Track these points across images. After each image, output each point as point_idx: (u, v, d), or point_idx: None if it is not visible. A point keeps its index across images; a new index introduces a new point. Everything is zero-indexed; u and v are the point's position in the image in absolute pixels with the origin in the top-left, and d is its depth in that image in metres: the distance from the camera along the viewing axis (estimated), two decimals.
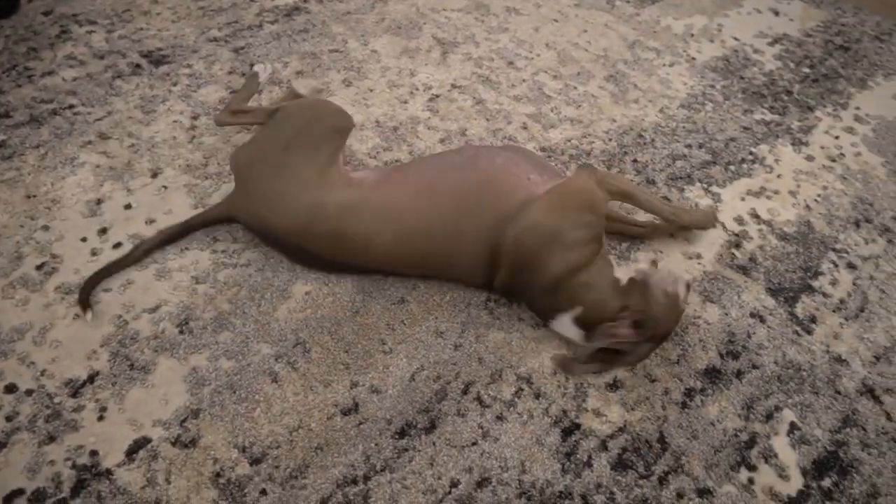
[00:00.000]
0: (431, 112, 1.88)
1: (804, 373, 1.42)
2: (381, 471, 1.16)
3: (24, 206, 1.49)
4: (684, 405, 1.33)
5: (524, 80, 2.05)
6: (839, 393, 1.40)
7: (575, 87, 2.06)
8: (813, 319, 1.53)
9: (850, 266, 1.66)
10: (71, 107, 1.74)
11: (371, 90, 1.93)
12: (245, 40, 2.04)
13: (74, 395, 1.21)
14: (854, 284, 1.62)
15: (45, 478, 1.10)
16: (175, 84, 1.86)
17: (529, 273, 1.33)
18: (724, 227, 1.69)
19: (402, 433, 1.22)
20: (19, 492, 1.08)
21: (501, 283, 1.38)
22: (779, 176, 1.88)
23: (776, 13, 2.61)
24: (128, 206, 1.53)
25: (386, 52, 2.07)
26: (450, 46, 2.14)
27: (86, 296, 1.33)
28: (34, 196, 1.51)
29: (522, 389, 1.30)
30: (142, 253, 1.42)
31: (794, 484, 1.25)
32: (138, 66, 1.90)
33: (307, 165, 1.40)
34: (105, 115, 1.73)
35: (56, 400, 1.19)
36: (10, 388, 1.20)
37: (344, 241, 1.36)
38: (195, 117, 1.76)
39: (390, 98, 1.91)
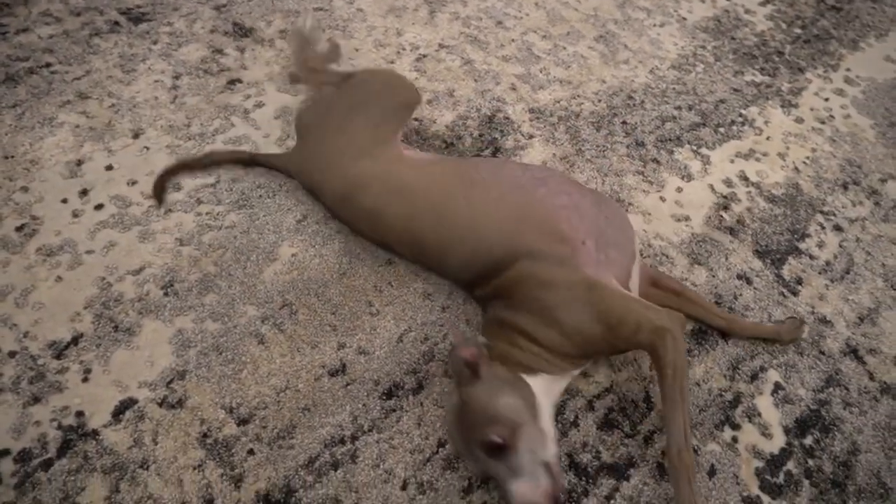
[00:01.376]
0: (419, 72, 1.85)
1: None
2: (369, 431, 1.16)
3: (2, 167, 1.45)
4: None
5: (513, 41, 2.01)
6: (823, 353, 1.41)
7: (564, 48, 2.02)
8: (799, 281, 1.53)
9: (837, 228, 1.67)
10: (48, 65, 1.69)
11: (357, 50, 1.89)
12: None
13: (58, 356, 1.19)
14: (840, 246, 1.63)
15: (30, 438, 1.09)
16: (155, 42, 1.81)
17: (507, 305, 1.20)
18: (712, 189, 1.69)
19: (389, 394, 1.22)
20: (5, 452, 1.07)
21: (481, 293, 1.27)
22: (768, 138, 1.87)
23: None
24: (109, 168, 1.50)
25: (372, 11, 2.03)
26: (437, 5, 2.09)
27: (160, 192, 1.44)
28: (12, 157, 1.48)
29: None
30: (210, 162, 1.51)
31: (777, 442, 1.27)
32: (117, 23, 1.85)
33: (366, 134, 1.38)
34: (83, 75, 1.69)
35: (40, 362, 1.18)
36: None
37: (379, 219, 1.30)
38: (177, 77, 1.72)
39: (376, 58, 1.87)
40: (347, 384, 1.22)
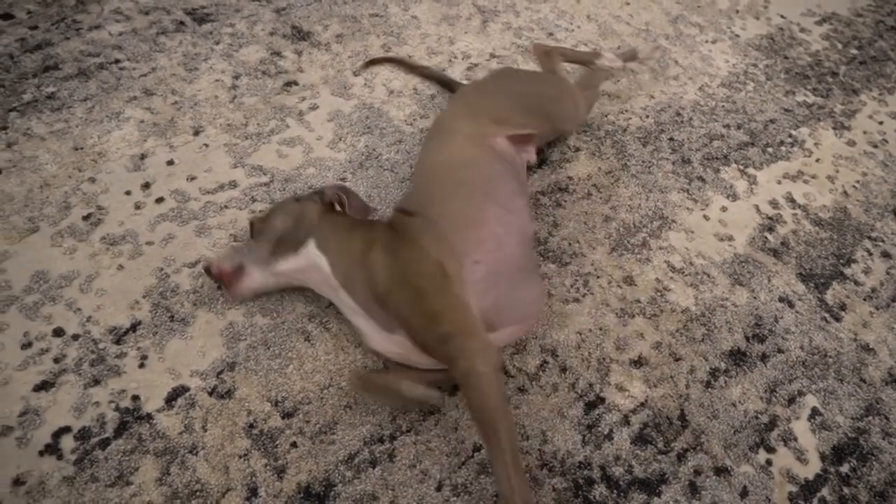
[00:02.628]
0: (469, 81, 1.88)
1: (830, 359, 1.42)
2: (407, 432, 1.20)
3: (72, 158, 1.53)
4: (707, 384, 1.34)
5: None
6: (864, 381, 1.40)
7: None
8: (843, 307, 1.52)
9: (885, 255, 1.65)
10: (117, 61, 1.78)
11: (410, 56, 1.93)
12: (287, 1, 2.05)
13: (118, 342, 1.26)
14: (888, 274, 1.61)
15: (90, 417, 1.16)
16: (217, 43, 1.88)
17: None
18: (758, 209, 1.68)
19: None
20: (66, 429, 1.14)
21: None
22: (818, 160, 1.85)
23: None
24: (170, 163, 1.57)
25: (426, 19, 2.07)
26: (490, 15, 2.13)
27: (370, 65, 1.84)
28: (81, 148, 1.56)
29: (547, 362, 1.32)
30: (428, 73, 1.85)
31: (812, 468, 1.26)
32: (182, 23, 1.93)
33: (492, 114, 1.45)
34: (149, 72, 1.76)
35: (101, 346, 1.25)
36: (58, 332, 1.26)
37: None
38: (237, 77, 1.79)
39: (429, 65, 1.91)
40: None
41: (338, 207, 1.35)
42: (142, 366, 1.23)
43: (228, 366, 1.25)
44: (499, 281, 1.18)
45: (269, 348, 1.28)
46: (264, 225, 1.30)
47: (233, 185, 1.54)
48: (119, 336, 1.27)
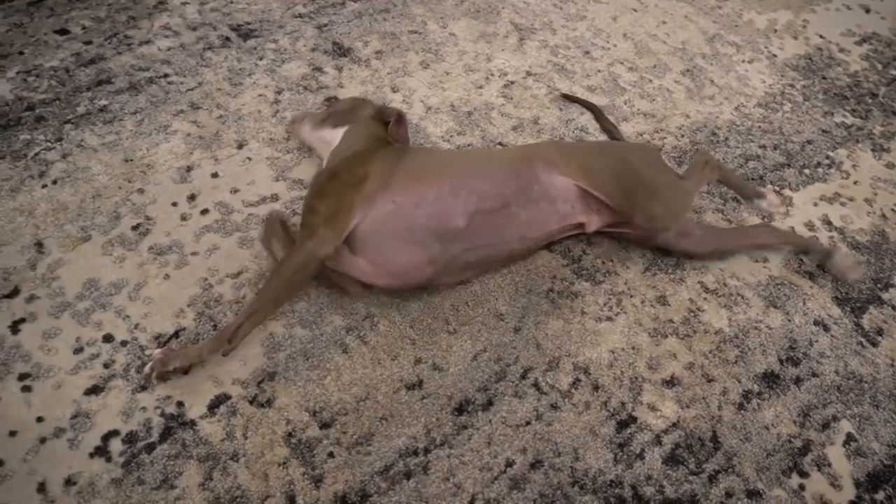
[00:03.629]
0: (506, 98, 1.91)
1: (866, 385, 1.42)
2: (441, 445, 1.23)
3: (123, 169, 1.60)
4: (740, 406, 1.34)
5: (599, 71, 2.05)
6: None
7: (650, 80, 2.05)
8: (879, 332, 1.51)
9: None
10: (166, 76, 1.84)
11: (447, 73, 1.96)
12: (328, 17, 2.10)
13: (163, 348, 1.31)
14: None
15: (137, 422, 1.20)
16: (261, 58, 1.93)
17: None
18: (793, 231, 1.68)
19: (460, 409, 1.28)
20: (115, 432, 1.19)
21: None
22: (855, 182, 1.84)
23: (867, 10, 2.52)
24: (215, 175, 1.62)
25: (464, 36, 2.10)
26: (527, 33, 2.15)
27: (565, 98, 1.90)
28: (131, 160, 1.62)
29: (580, 380, 1.34)
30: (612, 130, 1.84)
31: (846, 494, 1.26)
32: (227, 38, 1.99)
33: (580, 161, 1.44)
34: (196, 86, 1.82)
35: (147, 352, 1.30)
36: (108, 338, 1.31)
37: None
38: (279, 92, 1.84)
39: (466, 82, 1.94)
40: (423, 398, 1.29)
41: (388, 128, 1.56)
42: (186, 373, 1.28)
43: (269, 375, 1.29)
44: (396, 225, 1.32)
45: (307, 359, 1.32)
46: (336, 103, 1.68)
47: (274, 197, 1.58)
48: (165, 342, 1.31)
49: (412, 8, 2.18)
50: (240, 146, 1.69)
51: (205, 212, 1.54)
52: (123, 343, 1.31)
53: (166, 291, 1.40)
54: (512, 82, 1.96)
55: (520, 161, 1.42)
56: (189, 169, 1.62)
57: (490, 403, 1.29)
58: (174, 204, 1.55)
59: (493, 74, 1.98)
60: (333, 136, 1.54)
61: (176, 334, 1.33)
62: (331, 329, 1.37)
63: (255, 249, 1.48)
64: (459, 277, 1.43)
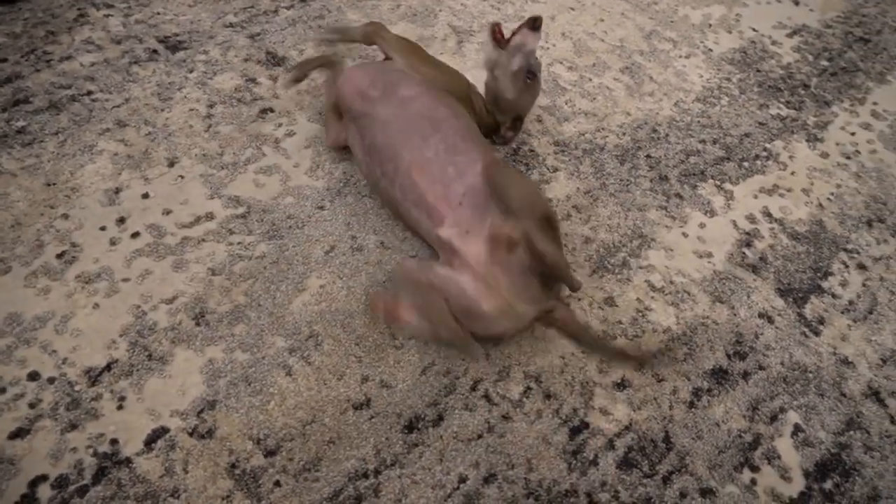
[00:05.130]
0: None
1: (810, 374, 1.44)
2: (392, 465, 1.19)
3: (45, 195, 1.51)
4: (691, 405, 1.35)
5: None
6: (844, 395, 1.41)
7: (590, 79, 2.05)
8: (821, 321, 1.54)
9: (861, 267, 1.67)
10: (89, 93, 1.76)
11: None
12: (261, 26, 2.04)
13: (94, 383, 1.24)
14: (864, 286, 1.63)
15: (67, 464, 1.14)
16: (191, 71, 1.86)
17: None
18: (735, 225, 1.70)
19: (410, 427, 1.25)
20: (43, 478, 1.12)
21: None
22: (793, 173, 1.87)
23: (796, 3, 2.58)
24: (145, 196, 1.55)
25: None
26: (465, 35, 2.13)
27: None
28: (54, 184, 1.54)
29: (531, 388, 1.32)
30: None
31: (796, 486, 1.27)
32: (155, 51, 1.91)
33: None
34: (123, 102, 1.74)
35: (77, 388, 1.23)
36: (33, 376, 1.23)
37: None
38: (211, 105, 1.77)
39: None
40: (371, 417, 1.25)
41: None
42: (120, 407, 1.21)
43: (209, 404, 1.23)
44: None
45: (249, 384, 1.27)
46: None
47: (209, 217, 1.52)
48: (95, 377, 1.25)
49: (347, 13, 2.14)
50: (171, 164, 1.62)
51: (135, 235, 1.47)
52: (51, 380, 1.23)
53: (96, 322, 1.32)
54: None
55: None
56: (117, 190, 1.55)
57: (440, 418, 1.26)
58: (102, 228, 1.47)
59: None
60: None
61: (108, 367, 1.26)
62: (273, 351, 1.32)
63: (190, 272, 1.42)
64: None
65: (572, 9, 2.33)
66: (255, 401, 1.25)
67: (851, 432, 1.36)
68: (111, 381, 1.24)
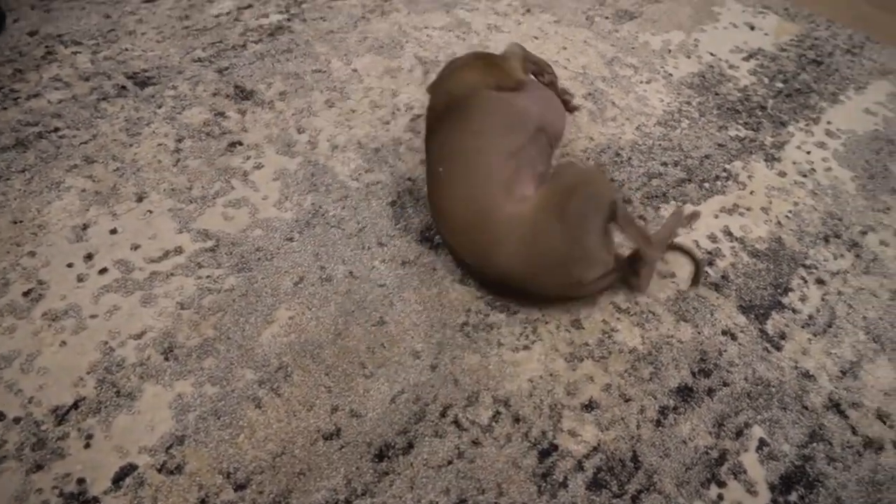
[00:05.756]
0: (413, 133, 1.92)
1: (773, 389, 1.47)
2: (362, 495, 1.20)
3: (10, 233, 1.51)
4: (658, 423, 1.37)
5: None
6: (806, 408, 1.45)
7: None
8: (783, 336, 1.58)
9: (819, 282, 1.71)
10: (56, 130, 1.76)
11: (353, 111, 1.96)
12: (229, 60, 2.07)
13: (60, 422, 1.23)
14: (822, 300, 1.67)
15: None
16: (160, 106, 1.88)
17: None
18: (697, 245, 1.74)
19: (380, 455, 1.25)
20: None
21: None
22: (751, 192, 1.93)
23: (752, 27, 2.67)
24: (113, 231, 1.55)
25: (368, 72, 2.11)
26: (431, 65, 2.18)
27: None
28: (20, 222, 1.54)
29: (500, 413, 1.34)
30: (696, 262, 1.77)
31: (762, 499, 1.29)
32: (123, 87, 1.93)
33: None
34: (90, 139, 1.75)
35: (43, 427, 1.22)
36: None
37: None
38: (180, 140, 1.79)
39: (372, 119, 1.94)
40: (341, 447, 1.25)
41: None
42: (87, 446, 1.21)
43: (178, 439, 1.23)
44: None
45: (219, 418, 1.27)
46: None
47: (178, 251, 1.53)
48: (62, 416, 1.24)
49: (315, 46, 2.17)
50: (139, 199, 1.63)
51: (103, 271, 1.47)
52: (16, 420, 1.23)
53: (63, 359, 1.32)
54: (418, 116, 1.98)
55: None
56: (85, 227, 1.55)
57: (411, 446, 1.27)
58: (69, 265, 1.48)
59: (399, 109, 1.99)
60: None
61: (75, 405, 1.26)
62: (242, 384, 1.32)
63: (159, 307, 1.42)
64: None
65: (536, 38, 2.40)
66: (225, 434, 1.25)
67: (814, 444, 1.39)
68: (78, 420, 1.24)
